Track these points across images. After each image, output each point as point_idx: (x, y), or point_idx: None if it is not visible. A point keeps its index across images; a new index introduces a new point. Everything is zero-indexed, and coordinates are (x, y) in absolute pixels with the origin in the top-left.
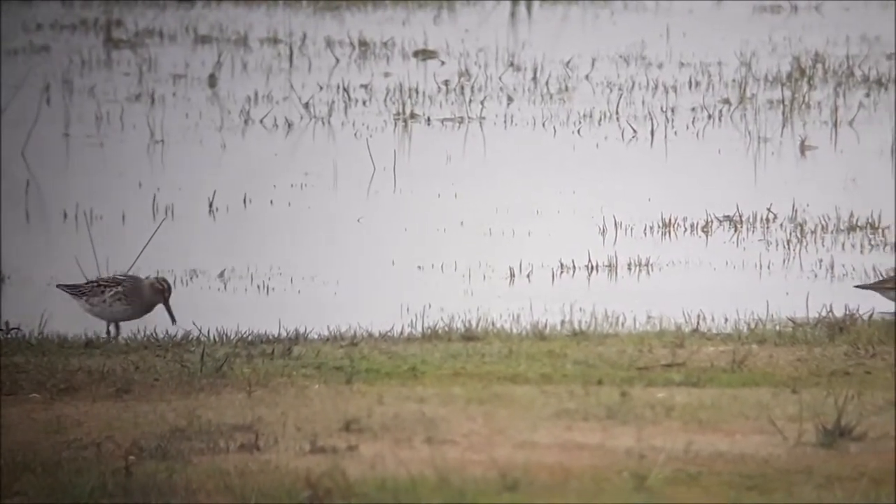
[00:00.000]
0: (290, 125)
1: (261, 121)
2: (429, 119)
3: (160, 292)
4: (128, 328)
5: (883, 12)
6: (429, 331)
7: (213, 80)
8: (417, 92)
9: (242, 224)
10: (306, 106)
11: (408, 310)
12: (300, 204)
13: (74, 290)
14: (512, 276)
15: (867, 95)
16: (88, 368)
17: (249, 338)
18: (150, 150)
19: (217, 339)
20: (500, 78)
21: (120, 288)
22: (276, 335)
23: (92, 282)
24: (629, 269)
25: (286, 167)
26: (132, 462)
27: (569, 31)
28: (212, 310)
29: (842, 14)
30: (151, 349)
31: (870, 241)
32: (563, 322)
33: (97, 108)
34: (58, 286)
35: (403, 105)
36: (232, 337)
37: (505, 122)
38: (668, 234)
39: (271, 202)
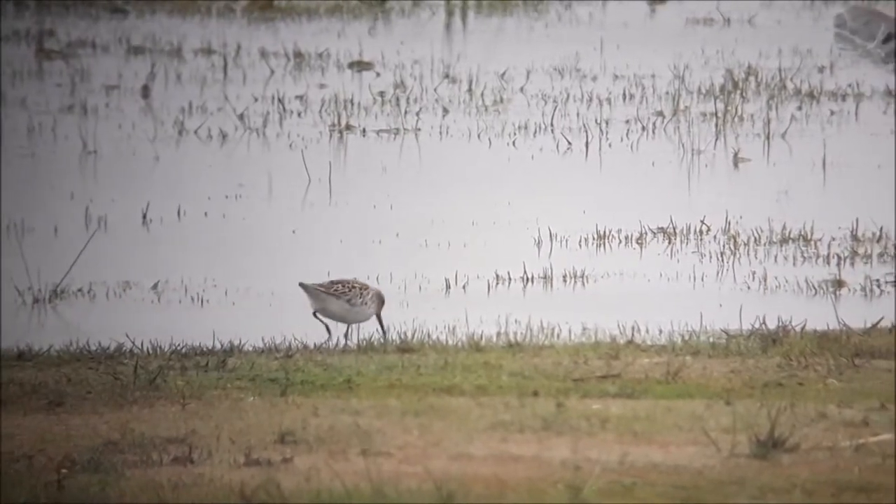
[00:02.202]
0: (224, 136)
1: (195, 132)
2: (364, 130)
3: (382, 303)
4: (61, 340)
5: (815, 24)
6: (364, 343)
7: (146, 91)
8: (353, 103)
9: (176, 236)
10: (241, 117)
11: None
12: (235, 216)
13: (330, 291)
14: (448, 287)
15: (799, 108)
16: (20, 381)
17: (183, 350)
18: (83, 161)
19: (151, 351)
20: (435, 90)
21: (372, 291)
22: (210, 347)
23: (339, 282)
24: (564, 280)
25: (221, 179)
26: (64, 475)
27: (503, 43)
28: (145, 322)
29: (774, 27)
30: (84, 361)
31: (802, 253)
32: (498, 334)
33: (29, 120)
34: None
35: (339, 116)
36: (166, 349)
37: (440, 133)
38: (602, 246)
39: (206, 214)
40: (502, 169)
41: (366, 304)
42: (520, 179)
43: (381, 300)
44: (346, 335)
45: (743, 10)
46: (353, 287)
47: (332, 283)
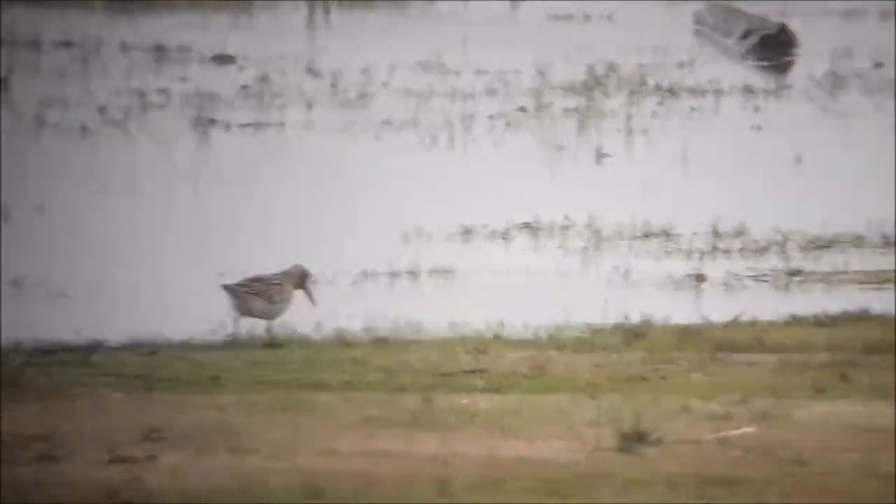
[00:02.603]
0: (85, 130)
1: (55, 125)
2: (228, 125)
3: (306, 276)
4: None
5: (674, 21)
6: (231, 338)
7: (5, 84)
8: (216, 97)
9: (38, 231)
10: (102, 111)
11: (209, 317)
12: (97, 210)
13: (252, 291)
14: (314, 282)
15: (660, 104)
16: None
17: (46, 346)
18: None
19: (12, 347)
20: (299, 84)
21: (288, 283)
22: (73, 344)
23: (257, 280)
24: (431, 275)
25: (82, 173)
26: None
27: (367, 38)
28: (6, 318)
29: (634, 24)
30: None
31: (664, 247)
32: (365, 329)
33: None
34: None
35: (202, 110)
36: (28, 346)
37: (305, 128)
38: (468, 241)
39: (67, 208)
40: (367, 164)
41: (285, 300)
42: (385, 174)
43: (303, 275)
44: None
45: (602, 7)
46: (272, 284)
47: (252, 280)
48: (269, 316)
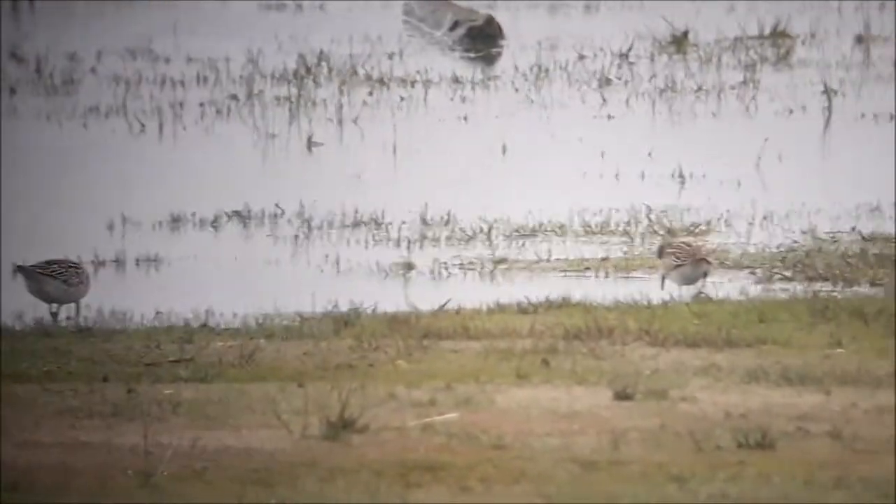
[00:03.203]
0: None
1: None
2: None
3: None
4: None
5: (384, 12)
6: None
7: None
8: None
9: None
10: None
11: None
12: None
13: (47, 272)
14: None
15: (370, 94)
16: None
17: None
18: None
19: None
20: (2, 69)
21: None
22: None
23: (55, 262)
24: (137, 264)
25: None
26: None
27: (73, 23)
28: None
29: (345, 13)
30: None
31: (374, 236)
32: (68, 318)
33: None
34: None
35: None
36: None
37: (8, 114)
38: (177, 230)
39: None
40: (75, 152)
41: (82, 283)
42: (91, 161)
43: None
44: (53, 312)
45: None
46: (70, 267)
47: (48, 262)
48: (62, 299)
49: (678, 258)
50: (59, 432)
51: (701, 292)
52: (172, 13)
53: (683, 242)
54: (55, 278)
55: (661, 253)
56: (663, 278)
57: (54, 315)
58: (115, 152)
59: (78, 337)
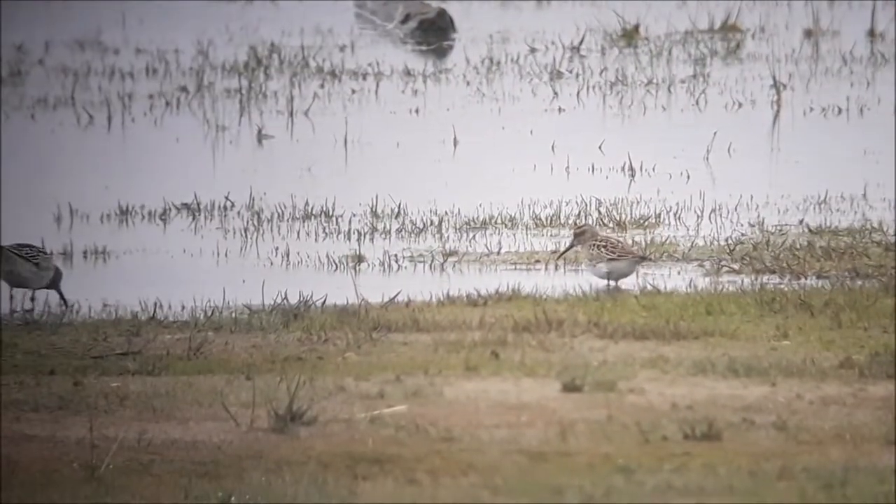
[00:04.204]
0: None
1: None
2: None
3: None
4: None
5: (335, 4)
6: None
7: None
8: None
9: None
10: None
11: None
12: None
13: (22, 254)
14: None
15: (322, 86)
16: None
17: None
18: None
19: None
20: None
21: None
22: None
23: (26, 245)
24: (85, 256)
25: None
26: None
27: (22, 14)
28: None
29: (297, 5)
30: None
31: (324, 228)
32: (13, 312)
33: None
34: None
35: None
36: None
37: None
38: (125, 222)
39: None
40: (23, 143)
41: (49, 268)
42: (39, 153)
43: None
44: (31, 298)
45: None
46: (40, 252)
47: (20, 245)
48: (31, 282)
49: (612, 252)
50: (3, 425)
51: (618, 287)
52: (121, 4)
53: (610, 238)
54: (28, 260)
55: (580, 239)
56: (566, 251)
57: (32, 301)
58: (63, 144)
59: (24, 329)
